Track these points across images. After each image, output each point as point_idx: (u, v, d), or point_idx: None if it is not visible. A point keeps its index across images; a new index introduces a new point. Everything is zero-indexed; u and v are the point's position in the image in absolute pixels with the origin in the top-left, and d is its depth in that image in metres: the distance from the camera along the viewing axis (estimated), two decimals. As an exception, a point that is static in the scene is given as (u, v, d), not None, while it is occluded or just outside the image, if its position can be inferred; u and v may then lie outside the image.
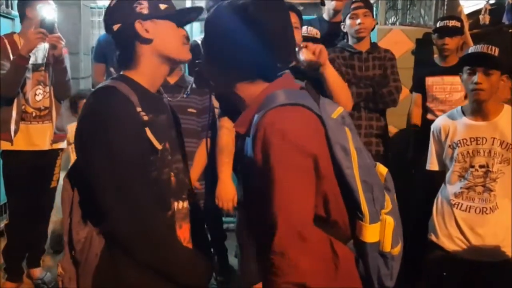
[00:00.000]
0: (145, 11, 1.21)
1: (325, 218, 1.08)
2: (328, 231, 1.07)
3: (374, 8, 3.25)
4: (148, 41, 1.22)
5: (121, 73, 1.27)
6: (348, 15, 2.69)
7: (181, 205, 1.31)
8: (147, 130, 1.18)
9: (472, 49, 1.98)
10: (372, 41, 2.79)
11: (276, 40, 1.10)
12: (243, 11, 1.08)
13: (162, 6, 1.23)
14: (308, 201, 1.05)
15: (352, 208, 1.11)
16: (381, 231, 1.12)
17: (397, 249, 1.16)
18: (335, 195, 1.10)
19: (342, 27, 2.77)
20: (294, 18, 2.03)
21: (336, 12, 3.01)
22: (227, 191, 2.15)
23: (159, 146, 1.20)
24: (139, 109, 1.18)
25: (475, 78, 1.90)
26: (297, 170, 1.03)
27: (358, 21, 2.64)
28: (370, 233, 1.10)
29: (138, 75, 1.24)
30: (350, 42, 2.73)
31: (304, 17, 2.55)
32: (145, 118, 1.18)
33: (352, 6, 2.68)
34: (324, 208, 1.08)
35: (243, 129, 1.14)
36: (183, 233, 1.30)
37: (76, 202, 1.22)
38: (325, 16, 3.11)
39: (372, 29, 2.78)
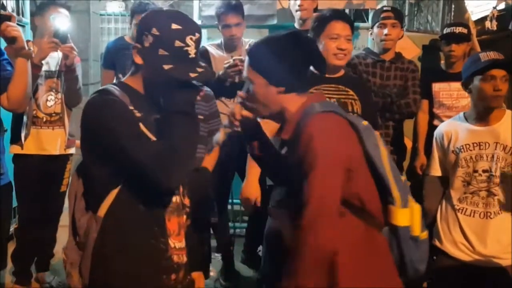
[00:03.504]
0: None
1: (361, 208, 1.27)
2: (365, 220, 1.27)
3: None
4: None
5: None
6: (377, 24, 2.69)
7: (174, 199, 1.37)
8: (141, 124, 1.26)
9: (484, 56, 1.96)
10: (396, 51, 2.78)
11: (321, 59, 1.44)
12: (296, 39, 1.37)
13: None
14: (338, 191, 1.24)
15: (384, 197, 1.29)
16: (410, 216, 1.29)
17: (424, 234, 1.35)
18: (369, 188, 1.29)
19: (369, 33, 2.78)
20: (348, 31, 2.04)
21: (303, 21, 2.90)
22: (251, 191, 2.21)
23: (153, 138, 1.27)
24: (131, 107, 1.28)
25: (498, 84, 1.91)
26: (334, 162, 1.24)
27: (385, 31, 2.64)
28: (402, 217, 1.28)
29: (133, 80, 1.34)
30: (375, 50, 2.73)
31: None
32: (138, 114, 1.28)
33: (382, 16, 2.67)
34: (359, 199, 1.27)
35: (288, 135, 1.37)
36: (172, 225, 1.36)
37: (80, 193, 1.33)
38: (296, 25, 3.02)
39: (399, 38, 2.77)
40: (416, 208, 1.31)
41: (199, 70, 1.26)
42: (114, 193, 1.27)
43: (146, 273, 1.29)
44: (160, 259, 1.32)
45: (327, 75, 2.04)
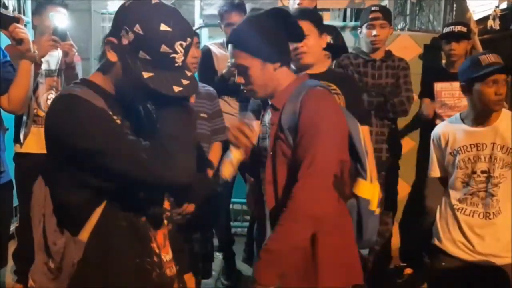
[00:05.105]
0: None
1: (339, 177, 1.37)
2: (338, 190, 1.38)
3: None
4: None
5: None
6: (365, 24, 2.68)
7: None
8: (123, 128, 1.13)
9: (484, 59, 1.94)
10: (386, 49, 2.78)
11: (297, 30, 1.52)
12: (274, 14, 1.46)
13: None
14: (337, 156, 1.36)
15: (354, 171, 1.44)
16: (373, 192, 1.46)
17: (378, 211, 1.52)
18: (347, 159, 1.42)
19: (358, 32, 2.77)
20: (310, 30, 1.95)
21: None
22: None
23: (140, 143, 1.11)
24: (110, 112, 1.11)
25: (499, 89, 1.90)
26: (340, 128, 1.38)
27: (374, 32, 2.63)
28: (366, 190, 1.44)
29: (104, 79, 1.17)
30: (365, 49, 2.73)
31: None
32: (118, 121, 1.12)
33: (370, 16, 2.65)
34: (340, 169, 1.38)
35: (281, 105, 1.44)
36: (159, 238, 1.23)
37: (49, 211, 1.14)
38: None
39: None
40: (377, 186, 1.48)
41: (185, 82, 1.05)
42: (98, 213, 1.10)
43: None
44: (154, 277, 1.19)
45: (309, 72, 2.03)
